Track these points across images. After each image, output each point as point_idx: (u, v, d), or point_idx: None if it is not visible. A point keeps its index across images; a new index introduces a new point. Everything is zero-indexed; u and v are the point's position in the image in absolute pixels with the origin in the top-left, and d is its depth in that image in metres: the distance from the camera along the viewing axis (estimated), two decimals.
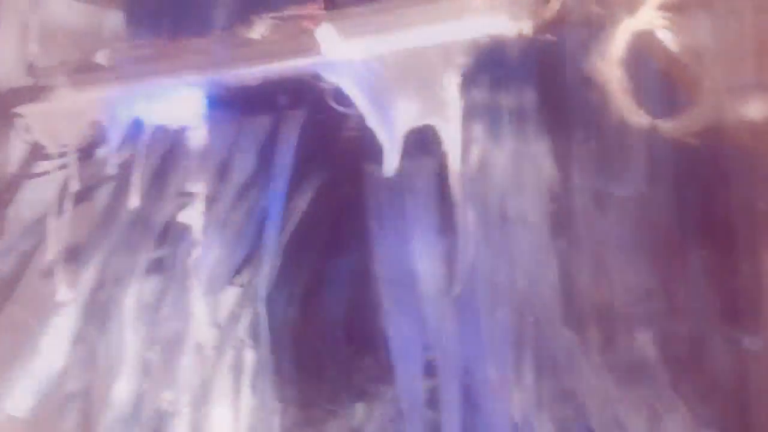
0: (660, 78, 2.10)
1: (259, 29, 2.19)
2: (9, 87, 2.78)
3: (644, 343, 2.13)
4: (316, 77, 2.17)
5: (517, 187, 2.14)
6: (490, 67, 2.10)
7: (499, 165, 2.13)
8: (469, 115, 2.03)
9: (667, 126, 2.04)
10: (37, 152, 2.80)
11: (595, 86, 2.14)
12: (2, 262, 2.80)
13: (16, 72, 2.78)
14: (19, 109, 2.70)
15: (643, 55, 2.09)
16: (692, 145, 2.02)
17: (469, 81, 2.04)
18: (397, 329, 2.26)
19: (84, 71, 2.43)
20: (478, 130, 2.10)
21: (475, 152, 2.11)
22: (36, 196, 2.88)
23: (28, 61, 2.66)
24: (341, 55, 2.14)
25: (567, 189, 2.12)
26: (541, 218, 2.18)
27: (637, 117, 2.04)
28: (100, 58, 2.39)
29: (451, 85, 1.99)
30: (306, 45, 2.16)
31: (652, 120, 2.04)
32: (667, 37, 2.03)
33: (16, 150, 2.90)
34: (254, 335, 2.51)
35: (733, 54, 1.93)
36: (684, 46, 2.02)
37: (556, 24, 2.02)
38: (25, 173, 2.87)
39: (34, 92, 2.67)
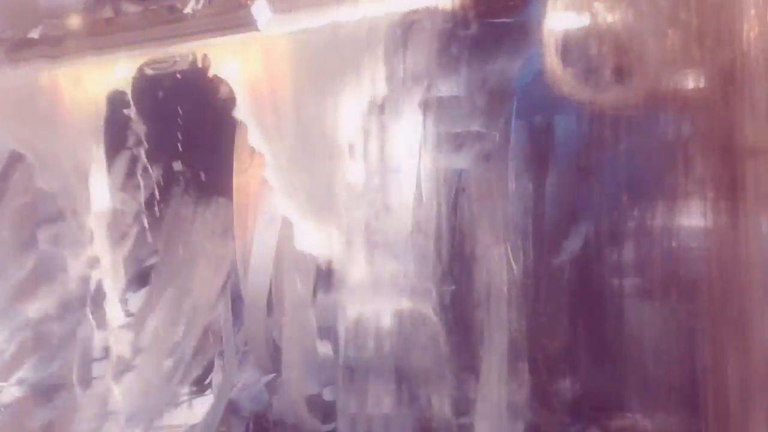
0: (598, 52, 2.09)
1: (192, 4, 2.15)
2: None
3: None
4: None
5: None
6: (417, 39, 2.09)
7: None
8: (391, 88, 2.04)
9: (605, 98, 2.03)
10: None
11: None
12: None
13: None
14: None
15: (581, 30, 2.08)
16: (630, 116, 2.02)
17: (393, 54, 2.04)
18: None
19: (19, 48, 2.38)
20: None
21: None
22: None
23: None
24: (275, 30, 2.11)
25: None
26: None
27: (576, 90, 2.04)
28: (35, 33, 2.34)
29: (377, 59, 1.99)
30: (241, 20, 2.13)
31: (591, 92, 2.03)
32: (604, 13, 2.02)
33: None
34: None
35: (668, 28, 1.91)
36: (622, 20, 2.01)
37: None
38: None
39: None
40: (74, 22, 2.27)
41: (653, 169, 2.06)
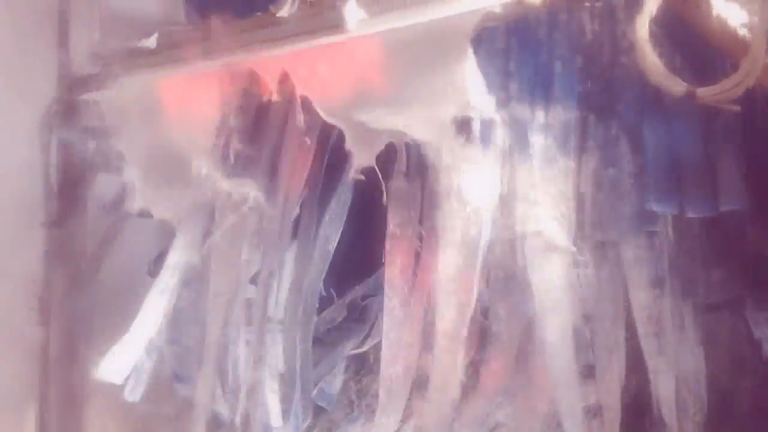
0: (698, 43, 1.97)
1: (288, 7, 2.17)
2: (80, 75, 2.89)
3: None
4: None
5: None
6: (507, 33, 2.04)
7: None
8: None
9: (705, 92, 1.91)
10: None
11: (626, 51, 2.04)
12: None
13: (86, 61, 2.88)
14: (89, 96, 2.80)
15: (681, 19, 1.97)
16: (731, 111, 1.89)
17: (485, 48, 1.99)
18: None
19: (133, 57, 2.48)
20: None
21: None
22: None
23: (92, 49, 2.74)
24: (366, 31, 2.11)
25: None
26: None
27: (673, 83, 1.93)
28: (147, 43, 2.44)
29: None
30: (332, 22, 2.14)
31: (688, 86, 1.92)
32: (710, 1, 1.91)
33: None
34: None
35: None
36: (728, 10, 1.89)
37: None
38: (97, 161, 2.97)
39: (100, 80, 2.76)
40: (178, 31, 2.35)
41: None
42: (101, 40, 2.68)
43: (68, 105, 2.87)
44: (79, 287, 3.02)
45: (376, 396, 2.29)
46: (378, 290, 2.47)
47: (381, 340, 2.26)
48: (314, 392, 2.62)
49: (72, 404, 2.94)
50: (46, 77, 2.94)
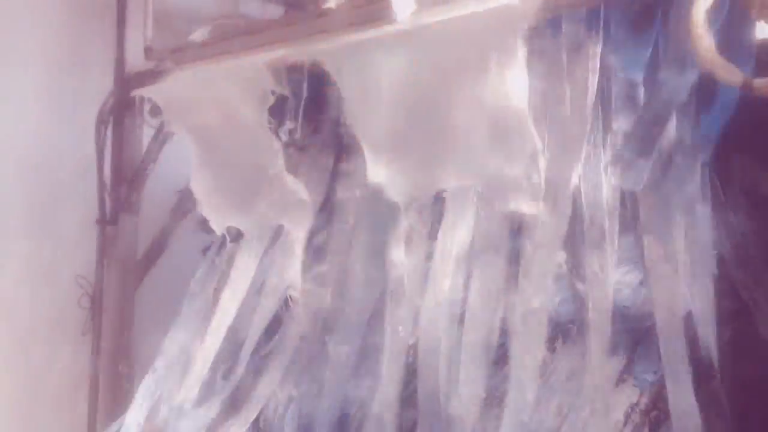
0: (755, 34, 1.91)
1: None
2: (134, 71, 2.90)
3: None
4: None
5: None
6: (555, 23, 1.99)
7: None
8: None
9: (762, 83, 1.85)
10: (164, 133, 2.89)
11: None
12: None
13: (141, 56, 2.89)
14: (143, 92, 2.81)
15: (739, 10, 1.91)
16: None
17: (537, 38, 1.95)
18: None
19: (185, 51, 2.49)
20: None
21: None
22: None
23: (146, 45, 2.75)
24: (415, 22, 2.08)
25: None
26: None
27: (729, 73, 1.86)
28: (198, 36, 2.44)
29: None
30: (381, 13, 2.12)
31: (745, 77, 1.85)
32: None
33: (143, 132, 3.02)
34: None
35: None
36: None
37: None
38: (152, 156, 2.97)
39: (155, 75, 2.77)
40: (228, 24, 2.35)
41: None
42: (156, 35, 2.69)
43: (123, 101, 2.89)
44: (130, 285, 3.03)
45: None
46: None
47: None
48: None
49: (120, 397, 2.93)
50: (102, 74, 2.97)
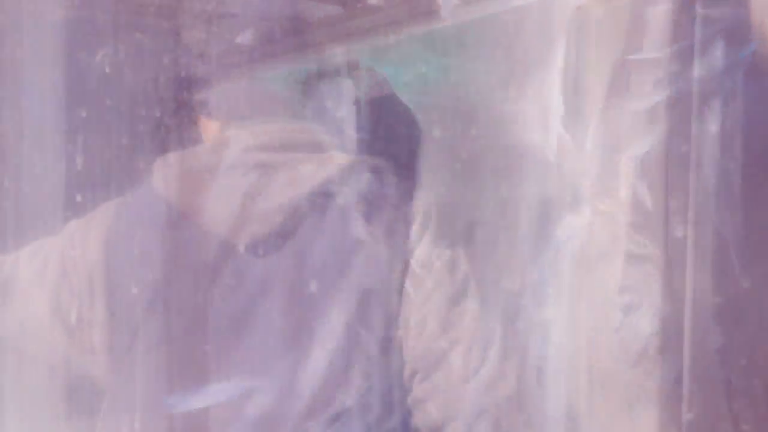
0: None
1: None
2: (187, 74, 2.88)
3: None
4: None
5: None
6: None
7: None
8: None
9: None
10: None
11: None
12: None
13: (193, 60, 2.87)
14: (201, 96, 2.79)
15: None
16: None
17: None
18: None
19: (233, 54, 2.45)
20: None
21: None
22: None
23: (199, 48, 2.72)
24: (460, 18, 2.02)
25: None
26: None
27: None
28: (241, 38, 2.40)
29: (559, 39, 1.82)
30: (425, 8, 2.06)
31: None
32: None
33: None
34: None
35: None
36: None
37: None
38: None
39: (206, 79, 2.74)
40: (273, 26, 2.30)
41: None
42: (207, 39, 2.66)
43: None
44: None
45: None
46: None
47: None
48: None
49: None
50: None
